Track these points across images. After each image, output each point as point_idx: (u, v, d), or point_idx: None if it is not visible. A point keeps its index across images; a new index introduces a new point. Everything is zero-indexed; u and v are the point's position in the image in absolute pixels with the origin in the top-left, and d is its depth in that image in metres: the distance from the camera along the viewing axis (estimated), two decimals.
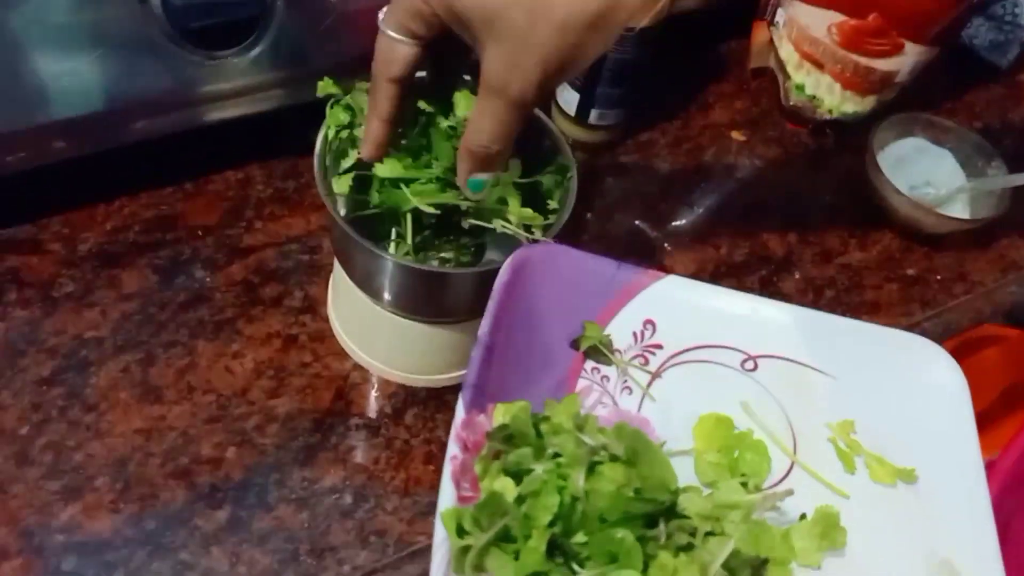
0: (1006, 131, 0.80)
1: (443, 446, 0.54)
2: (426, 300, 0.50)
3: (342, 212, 0.49)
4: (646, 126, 0.74)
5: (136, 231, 0.59)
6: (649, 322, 0.49)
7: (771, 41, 0.75)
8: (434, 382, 0.56)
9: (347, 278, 0.51)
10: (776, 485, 0.45)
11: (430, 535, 0.50)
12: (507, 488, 0.38)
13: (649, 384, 0.47)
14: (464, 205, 0.47)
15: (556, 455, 0.39)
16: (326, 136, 0.48)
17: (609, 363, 0.47)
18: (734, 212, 0.70)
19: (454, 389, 0.56)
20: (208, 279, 0.58)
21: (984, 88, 0.83)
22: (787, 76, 0.75)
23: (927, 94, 0.79)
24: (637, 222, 0.68)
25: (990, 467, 0.62)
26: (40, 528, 0.47)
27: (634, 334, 0.48)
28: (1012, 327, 1.29)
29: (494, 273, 0.45)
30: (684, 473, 0.43)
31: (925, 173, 0.71)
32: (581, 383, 0.47)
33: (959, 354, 1.24)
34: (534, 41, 0.37)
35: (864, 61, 0.69)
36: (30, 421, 0.51)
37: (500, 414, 0.41)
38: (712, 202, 0.71)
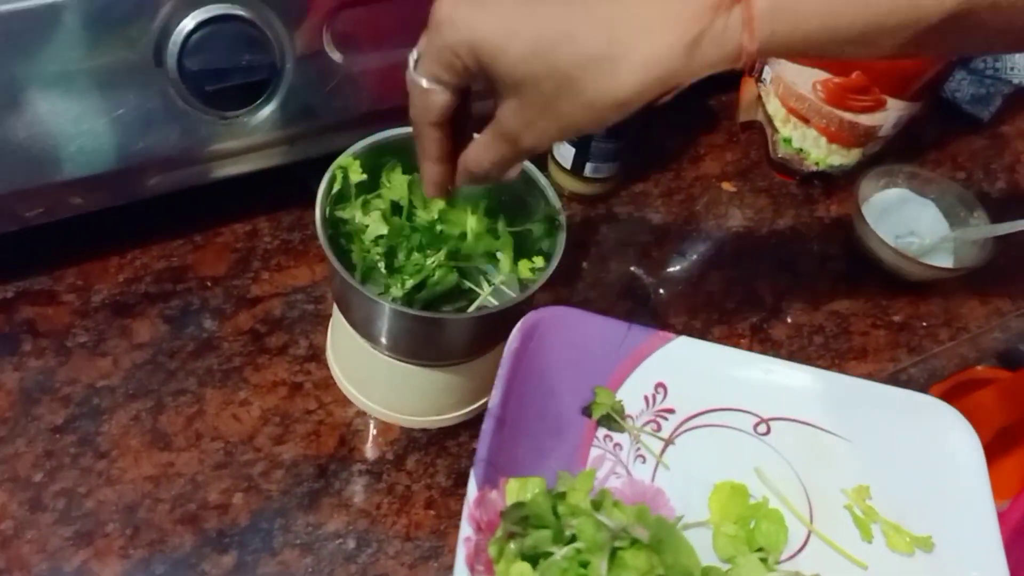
0: (989, 181, 0.83)
1: (443, 491, 0.55)
2: (423, 344, 0.52)
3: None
4: (640, 177, 0.77)
5: (148, 282, 0.62)
6: (660, 385, 0.49)
7: (759, 96, 0.78)
8: (431, 423, 0.57)
9: (346, 324, 0.53)
10: (794, 556, 0.45)
11: None
12: (525, 574, 0.39)
13: (662, 452, 0.48)
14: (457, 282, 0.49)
15: (574, 537, 0.39)
16: (330, 185, 0.50)
17: (621, 430, 0.48)
18: (725, 260, 0.73)
19: (453, 435, 0.58)
20: (216, 328, 0.60)
21: (967, 140, 0.86)
22: (775, 130, 0.77)
23: (911, 146, 0.82)
24: (632, 268, 0.70)
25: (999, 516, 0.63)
26: (52, 573, 0.49)
27: (645, 398, 0.49)
28: (1003, 369, 1.31)
29: (488, 318, 0.47)
30: (701, 545, 0.44)
31: (909, 223, 0.73)
32: (594, 452, 0.47)
33: (951, 397, 1.25)
34: (556, 111, 0.39)
35: (848, 116, 0.72)
36: (44, 468, 0.52)
37: (514, 491, 0.41)
38: (704, 250, 0.73)
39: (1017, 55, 0.86)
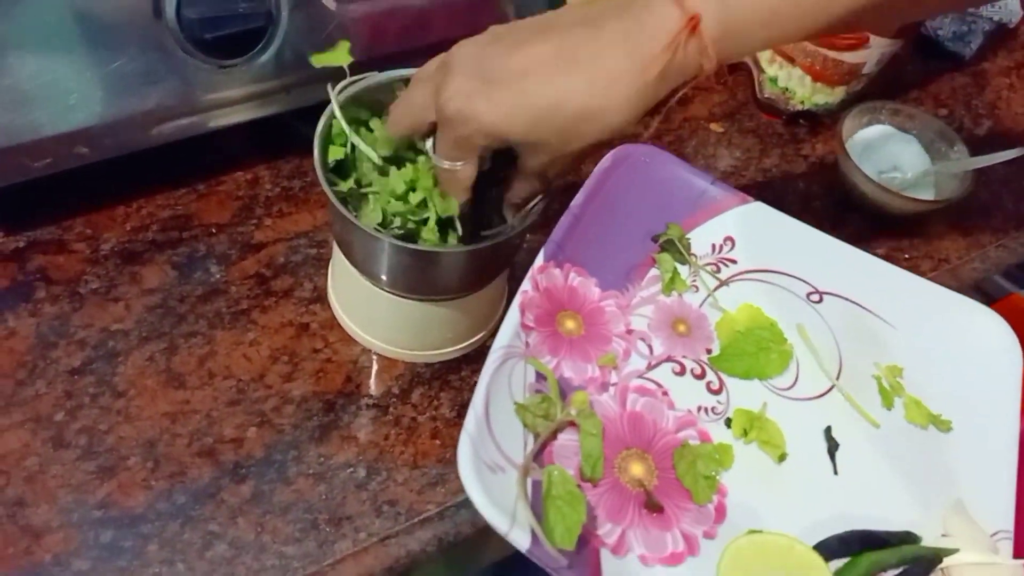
0: (970, 117, 0.85)
1: (448, 422, 0.58)
2: (422, 279, 0.54)
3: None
4: None
5: (154, 230, 0.63)
6: (729, 239, 0.53)
7: None
8: (433, 358, 0.60)
9: (347, 263, 0.55)
10: (810, 399, 0.49)
11: (439, 503, 0.54)
12: None
13: (716, 288, 0.52)
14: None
15: None
16: (327, 125, 0.52)
17: (684, 261, 0.51)
18: None
19: (456, 369, 0.60)
20: (223, 273, 0.62)
21: (948, 77, 0.88)
22: (761, 70, 0.79)
23: (894, 84, 0.84)
24: None
25: None
26: (78, 505, 0.51)
27: (713, 245, 0.53)
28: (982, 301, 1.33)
29: (484, 251, 0.50)
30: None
31: (892, 158, 0.75)
32: (652, 272, 0.51)
33: None
34: (567, 152, 0.46)
35: (832, 54, 0.74)
36: (64, 408, 0.55)
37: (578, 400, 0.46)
38: None
39: None
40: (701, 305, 0.51)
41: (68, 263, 0.61)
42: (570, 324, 0.47)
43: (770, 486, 0.46)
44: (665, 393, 0.48)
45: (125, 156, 0.60)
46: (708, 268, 0.52)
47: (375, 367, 0.60)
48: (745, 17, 0.43)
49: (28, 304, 0.58)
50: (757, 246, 0.53)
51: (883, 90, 0.80)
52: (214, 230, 0.64)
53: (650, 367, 0.48)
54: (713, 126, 0.80)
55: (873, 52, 0.74)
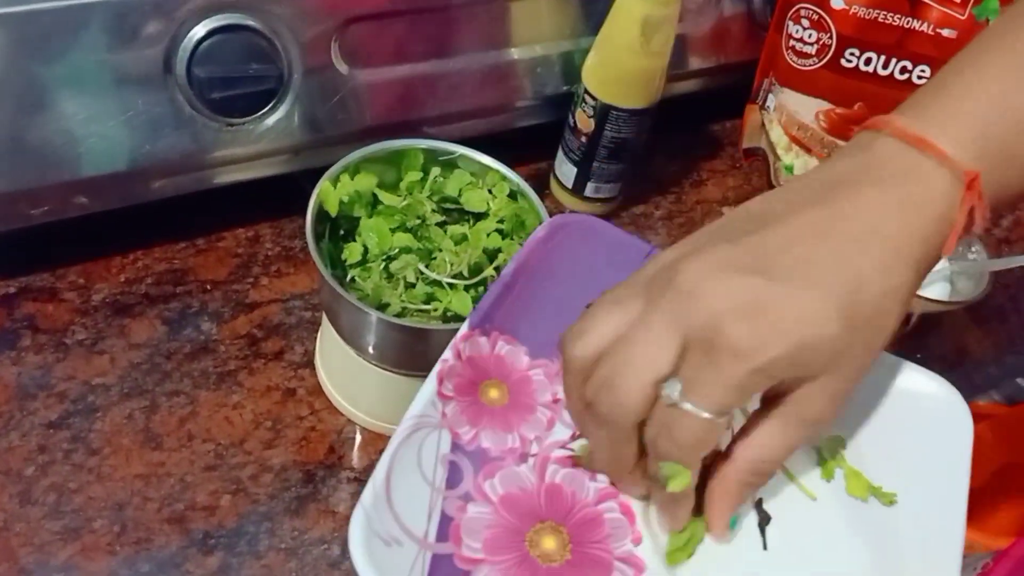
0: (990, 216, 0.83)
1: None
2: (410, 354, 0.53)
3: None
4: (641, 199, 0.77)
5: (148, 283, 0.62)
6: None
7: (763, 124, 0.79)
8: None
9: (334, 332, 0.54)
10: None
11: None
12: None
13: None
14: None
15: None
16: (317, 202, 0.51)
17: None
18: None
19: None
20: (214, 332, 0.61)
21: None
22: (777, 157, 0.78)
23: None
24: None
25: (1002, 555, 0.62)
26: (39, 567, 0.49)
27: None
28: (1001, 404, 1.30)
29: None
30: None
31: None
32: None
33: None
34: (864, 368, 0.37)
35: None
36: (36, 463, 0.53)
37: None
38: None
39: None
40: None
41: (57, 312, 0.60)
42: (493, 393, 0.46)
43: (691, 562, 0.43)
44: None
45: (127, 206, 0.60)
46: None
47: (360, 439, 0.58)
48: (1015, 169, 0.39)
49: (12, 352, 0.57)
50: None
51: None
52: (209, 287, 0.63)
53: (574, 437, 0.46)
54: (726, 210, 0.79)
55: None
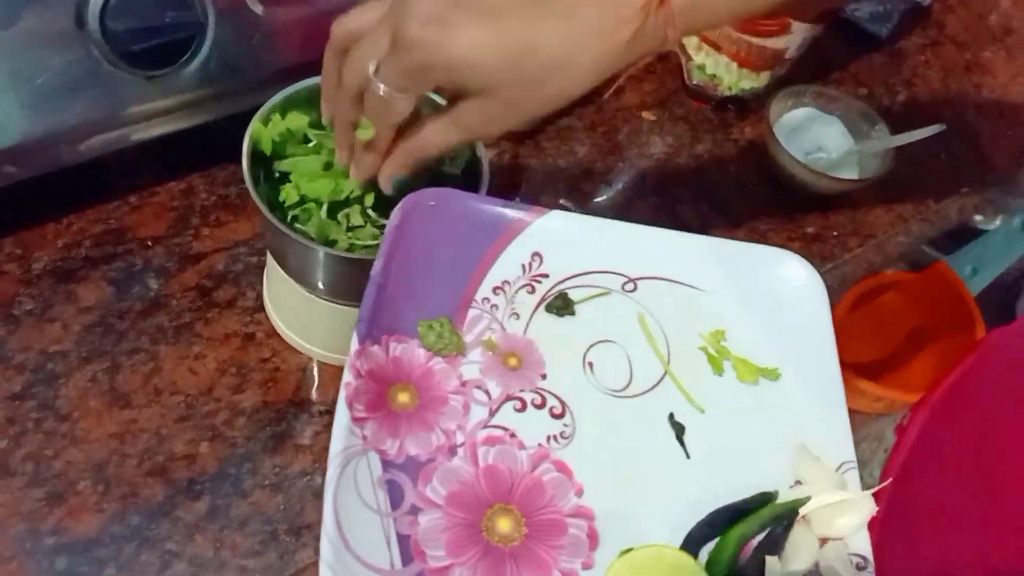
0: (888, 95, 0.88)
1: None
2: (361, 286, 0.54)
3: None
4: (565, 112, 0.79)
5: (87, 246, 0.62)
6: (536, 254, 0.53)
7: None
8: None
9: (282, 273, 0.55)
10: (648, 391, 0.50)
11: None
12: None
13: (535, 309, 0.51)
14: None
15: None
16: (250, 146, 0.51)
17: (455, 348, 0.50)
18: (650, 188, 0.76)
19: None
20: (162, 287, 0.61)
21: (867, 57, 0.91)
22: (689, 58, 0.80)
23: (817, 67, 0.86)
24: (561, 201, 0.73)
25: (918, 404, 0.68)
26: (30, 533, 0.50)
27: (522, 266, 0.52)
28: (908, 271, 1.39)
29: None
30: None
31: (817, 139, 0.78)
32: (472, 313, 0.50)
33: (863, 300, 1.33)
34: (519, 108, 0.45)
35: (756, 41, 0.76)
36: (7, 435, 0.53)
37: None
38: (629, 179, 0.77)
39: None
40: (526, 331, 0.51)
41: (1, 285, 0.59)
42: (403, 398, 0.46)
43: (632, 493, 0.46)
44: (513, 435, 0.47)
45: (54, 171, 0.59)
46: (524, 290, 0.52)
47: (323, 374, 0.60)
48: None
49: None
50: (564, 253, 0.53)
51: (807, 73, 0.83)
52: (150, 243, 0.63)
53: (492, 413, 0.47)
54: (645, 114, 0.81)
55: (795, 37, 0.76)
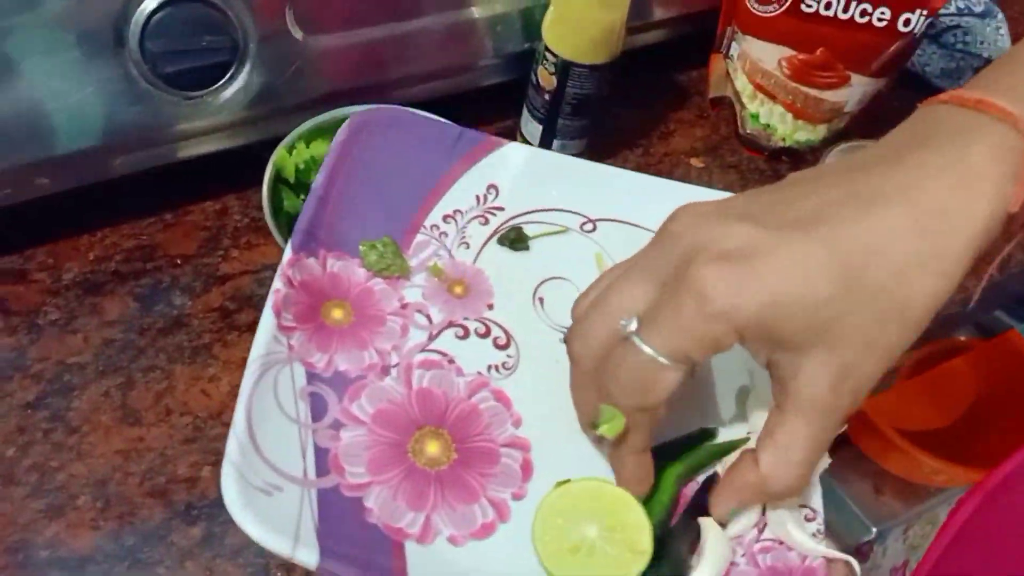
0: None
1: None
2: None
3: None
4: (609, 154, 0.77)
5: (118, 260, 0.63)
6: (492, 186, 0.51)
7: (727, 73, 0.79)
8: None
9: None
10: None
11: None
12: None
13: (487, 240, 0.50)
14: None
15: None
16: (272, 176, 0.51)
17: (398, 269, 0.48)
18: None
19: None
20: (186, 306, 0.61)
21: None
22: (743, 106, 0.78)
23: (878, 121, 0.82)
24: None
25: (972, 490, 0.63)
26: (25, 545, 0.50)
27: (476, 197, 0.51)
28: (978, 338, 1.32)
29: None
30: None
31: None
32: (419, 238, 0.49)
33: (927, 364, 1.26)
34: (882, 345, 0.32)
35: (813, 92, 0.73)
36: (16, 443, 0.54)
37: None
38: None
39: (986, 27, 0.87)
40: (475, 261, 0.49)
41: (28, 293, 0.60)
42: (337, 314, 0.45)
43: (573, 428, 0.44)
44: (451, 361, 0.45)
45: (91, 185, 0.60)
46: (476, 222, 0.50)
47: None
48: None
49: None
50: (522, 187, 0.51)
51: (867, 127, 0.79)
52: (179, 261, 0.63)
53: (432, 338, 0.46)
54: (694, 161, 0.79)
55: (855, 91, 0.73)
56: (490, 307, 0.48)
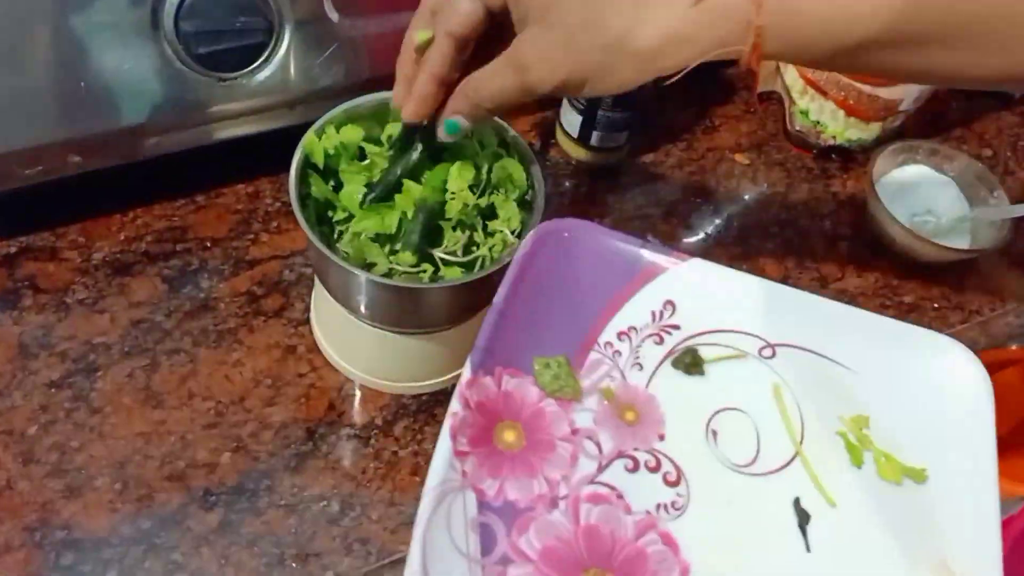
0: (1015, 160, 0.80)
1: (430, 458, 0.55)
2: (402, 313, 0.52)
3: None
4: (651, 148, 0.75)
5: (148, 241, 0.62)
6: (669, 303, 0.49)
7: (777, 67, 0.76)
8: (415, 389, 0.58)
9: (326, 292, 0.53)
10: (773, 472, 0.45)
11: None
12: None
13: (660, 362, 0.47)
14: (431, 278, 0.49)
15: None
16: (301, 162, 0.50)
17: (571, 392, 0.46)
18: (734, 235, 0.71)
19: (443, 403, 0.58)
20: (214, 289, 0.61)
21: (994, 116, 0.83)
22: (792, 101, 0.75)
23: (934, 121, 0.79)
24: (649, 237, 0.69)
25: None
26: (42, 524, 0.50)
27: (652, 313, 0.49)
28: None
29: (466, 287, 0.47)
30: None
31: (927, 201, 0.71)
32: (592, 356, 0.47)
33: None
34: (575, 46, 0.40)
35: (867, 89, 0.70)
36: (38, 422, 0.53)
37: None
38: (712, 224, 0.72)
39: None
40: (648, 385, 0.47)
41: (58, 271, 0.60)
42: (509, 436, 0.43)
43: (742, 565, 0.42)
44: (620, 496, 0.43)
45: (125, 164, 0.59)
46: (651, 341, 0.48)
47: (359, 395, 0.58)
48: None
49: (13, 312, 0.57)
50: (700, 306, 0.48)
51: (922, 127, 0.76)
52: (209, 244, 0.63)
53: (601, 469, 0.43)
54: (739, 157, 0.76)
55: (911, 88, 0.70)
56: (661, 437, 0.45)
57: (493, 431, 0.42)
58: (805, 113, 0.75)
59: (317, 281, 0.56)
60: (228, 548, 0.51)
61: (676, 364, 0.47)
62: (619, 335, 0.48)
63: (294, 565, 0.51)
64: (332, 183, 0.53)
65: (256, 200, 0.66)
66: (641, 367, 0.47)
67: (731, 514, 0.43)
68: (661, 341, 0.48)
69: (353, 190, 0.50)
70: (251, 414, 0.56)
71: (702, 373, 0.47)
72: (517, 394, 0.44)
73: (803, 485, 0.44)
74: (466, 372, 0.42)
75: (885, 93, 0.70)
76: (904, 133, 0.75)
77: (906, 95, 0.70)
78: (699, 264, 0.49)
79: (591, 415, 0.45)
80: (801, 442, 0.46)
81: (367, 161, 0.52)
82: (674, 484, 0.44)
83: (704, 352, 0.48)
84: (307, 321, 0.60)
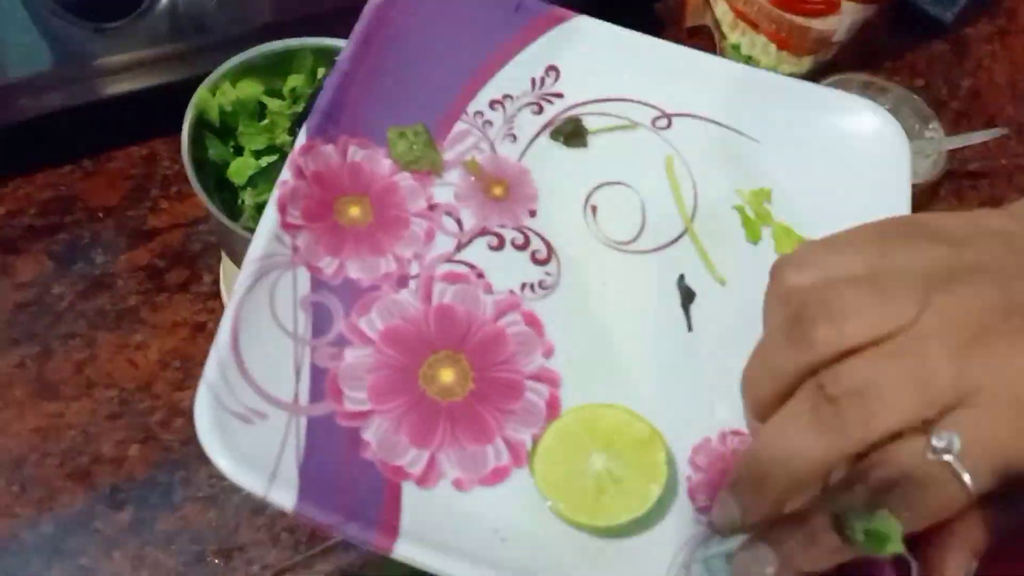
0: (947, 89, 0.79)
1: None
2: None
3: None
4: None
5: (32, 214, 0.56)
6: (552, 68, 0.44)
7: (707, 0, 0.73)
8: None
9: (232, 264, 0.49)
10: (657, 249, 0.42)
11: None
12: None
13: (538, 132, 0.43)
14: None
15: None
16: (193, 121, 0.45)
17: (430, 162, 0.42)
18: None
19: None
20: (109, 264, 0.55)
21: (927, 45, 0.81)
22: (723, 35, 0.72)
23: (866, 53, 0.77)
24: None
25: None
26: None
27: (532, 80, 0.44)
28: None
29: None
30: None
31: None
32: (459, 127, 0.42)
33: None
34: None
35: (799, 20, 0.67)
36: None
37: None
38: None
39: None
40: (521, 158, 0.42)
41: None
42: (354, 211, 0.38)
43: (611, 362, 0.38)
44: (480, 275, 0.39)
45: (3, 130, 0.53)
46: (529, 108, 0.43)
47: None
48: None
49: None
50: (587, 71, 0.43)
51: (855, 60, 0.74)
52: (101, 214, 0.57)
53: (460, 247, 0.40)
54: None
55: (844, 19, 0.67)
56: (532, 214, 0.41)
57: (334, 205, 0.38)
58: (736, 47, 0.71)
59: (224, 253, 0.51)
60: (142, 549, 0.47)
61: (555, 135, 0.43)
62: (491, 104, 0.43)
63: (216, 561, 0.47)
64: (232, 144, 0.48)
65: (152, 164, 0.60)
66: (515, 138, 0.43)
67: (605, 293, 0.40)
68: (540, 111, 0.43)
69: (245, 162, 0.45)
70: (160, 400, 0.51)
71: (584, 144, 0.43)
72: (366, 166, 0.40)
73: (690, 263, 0.41)
74: (300, 138, 0.37)
75: (818, 24, 0.67)
76: (836, 66, 0.72)
77: (839, 26, 0.68)
78: (589, 22, 0.44)
79: (452, 189, 0.41)
80: (692, 218, 0.42)
81: (266, 120, 0.47)
82: (543, 262, 0.40)
83: (588, 122, 0.43)
84: (217, 295, 0.55)
